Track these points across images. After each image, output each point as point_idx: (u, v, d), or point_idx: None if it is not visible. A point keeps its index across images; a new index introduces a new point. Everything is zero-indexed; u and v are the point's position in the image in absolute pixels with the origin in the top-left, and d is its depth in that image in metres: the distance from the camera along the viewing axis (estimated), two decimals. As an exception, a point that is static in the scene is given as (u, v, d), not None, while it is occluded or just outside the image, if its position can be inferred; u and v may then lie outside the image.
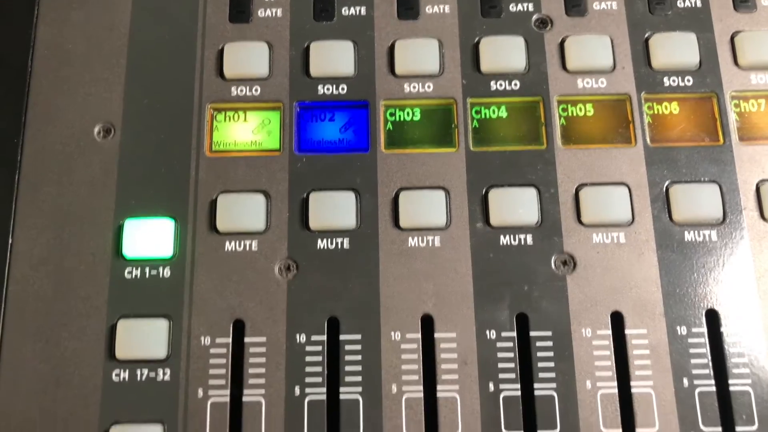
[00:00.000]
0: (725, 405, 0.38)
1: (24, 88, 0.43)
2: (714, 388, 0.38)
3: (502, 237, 0.41)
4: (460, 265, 0.40)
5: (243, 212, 0.41)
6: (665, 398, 0.38)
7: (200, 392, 0.38)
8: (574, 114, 0.43)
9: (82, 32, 0.44)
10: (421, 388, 0.38)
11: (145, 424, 0.38)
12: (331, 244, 0.41)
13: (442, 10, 0.44)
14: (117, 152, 0.42)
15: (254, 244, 0.41)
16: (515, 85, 0.43)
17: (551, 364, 0.39)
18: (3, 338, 0.39)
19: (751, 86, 0.43)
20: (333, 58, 0.43)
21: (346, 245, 0.41)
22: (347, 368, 0.39)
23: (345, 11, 0.44)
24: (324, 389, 0.38)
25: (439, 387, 0.39)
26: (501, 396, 0.38)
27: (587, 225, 0.41)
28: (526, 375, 0.39)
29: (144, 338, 0.39)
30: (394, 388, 0.38)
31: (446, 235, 0.41)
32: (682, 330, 0.39)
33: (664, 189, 0.41)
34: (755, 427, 0.37)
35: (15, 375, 0.38)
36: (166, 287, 0.40)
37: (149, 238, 0.40)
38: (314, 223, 0.41)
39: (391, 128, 0.43)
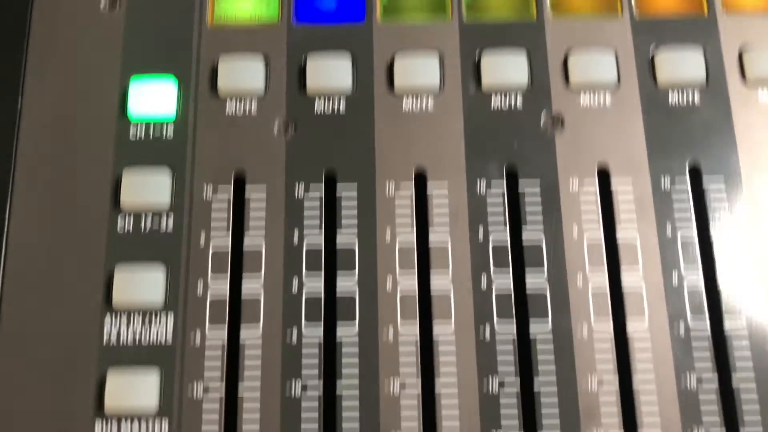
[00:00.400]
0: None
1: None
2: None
3: (493, 99, 0.42)
4: (452, 126, 0.42)
5: (243, 75, 0.42)
6: (649, 245, 0.40)
7: (202, 240, 0.40)
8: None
9: None
10: (414, 236, 0.40)
11: (148, 263, 0.39)
12: (328, 107, 0.42)
13: None
14: (122, 24, 0.44)
15: (254, 106, 0.42)
16: (506, -45, 0.44)
17: (539, 217, 0.40)
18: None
19: (734, -44, 0.44)
20: (330, -67, 0.45)
21: (342, 109, 0.42)
22: (344, 215, 0.40)
23: None
24: (321, 236, 0.40)
25: (431, 236, 0.40)
26: (490, 243, 0.40)
27: (575, 87, 0.42)
28: (515, 223, 0.40)
29: (148, 188, 0.40)
30: (388, 235, 0.40)
31: (440, 99, 0.42)
32: (666, 183, 0.40)
33: (650, 54, 0.43)
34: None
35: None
36: (169, 144, 0.41)
37: (153, 98, 0.42)
38: (311, 85, 0.42)
39: (385, 1, 0.44)
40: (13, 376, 0.38)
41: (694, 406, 0.37)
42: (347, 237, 0.40)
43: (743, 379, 0.38)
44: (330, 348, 0.39)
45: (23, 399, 0.38)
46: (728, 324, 0.39)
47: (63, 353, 0.39)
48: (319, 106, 0.42)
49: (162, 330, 0.39)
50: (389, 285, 0.40)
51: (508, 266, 0.40)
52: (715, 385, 0.38)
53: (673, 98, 0.42)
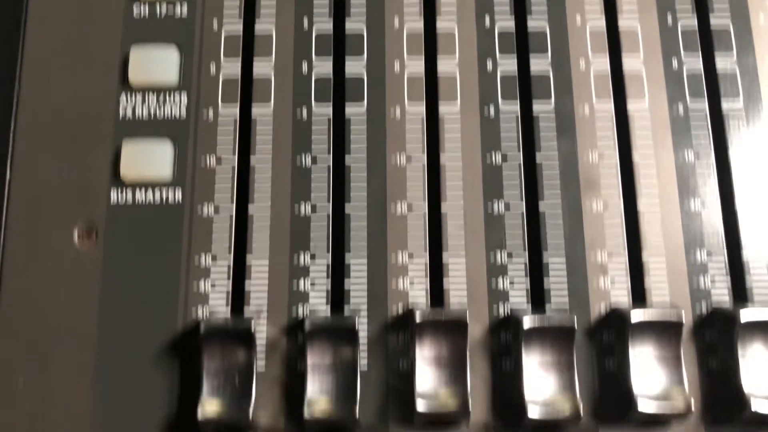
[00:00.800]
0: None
1: None
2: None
3: None
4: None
5: None
6: (650, 32, 0.41)
7: (215, 24, 0.41)
8: None
9: None
10: (421, 22, 0.41)
11: (162, 45, 0.40)
12: None
13: None
14: None
15: None
16: None
17: (543, 7, 0.42)
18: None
19: None
20: None
21: None
22: (353, 3, 0.41)
23: None
24: (330, 22, 0.41)
25: (438, 23, 0.41)
26: (496, 30, 0.41)
27: None
28: (521, 12, 0.41)
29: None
30: (396, 21, 0.41)
31: None
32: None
33: None
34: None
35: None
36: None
37: None
38: None
39: None
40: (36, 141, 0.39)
41: (691, 178, 0.39)
42: (356, 24, 0.41)
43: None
44: (339, 125, 0.40)
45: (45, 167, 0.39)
46: (725, 105, 0.40)
47: (82, 127, 0.40)
48: None
49: (176, 107, 0.40)
50: (397, 68, 0.41)
51: (514, 51, 0.41)
52: (711, 160, 0.39)
53: None
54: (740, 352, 0.34)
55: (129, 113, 0.40)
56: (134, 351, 0.37)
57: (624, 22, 0.41)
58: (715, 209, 0.38)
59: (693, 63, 0.41)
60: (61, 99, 0.40)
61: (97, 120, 0.40)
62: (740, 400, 0.34)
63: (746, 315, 0.34)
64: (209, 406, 0.34)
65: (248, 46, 0.41)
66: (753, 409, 0.33)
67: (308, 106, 0.40)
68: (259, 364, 0.36)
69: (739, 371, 0.34)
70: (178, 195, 0.39)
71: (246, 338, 0.35)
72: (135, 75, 0.40)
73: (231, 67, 0.41)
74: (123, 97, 0.40)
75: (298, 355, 0.36)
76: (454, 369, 0.35)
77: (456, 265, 0.38)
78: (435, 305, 0.37)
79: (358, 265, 0.38)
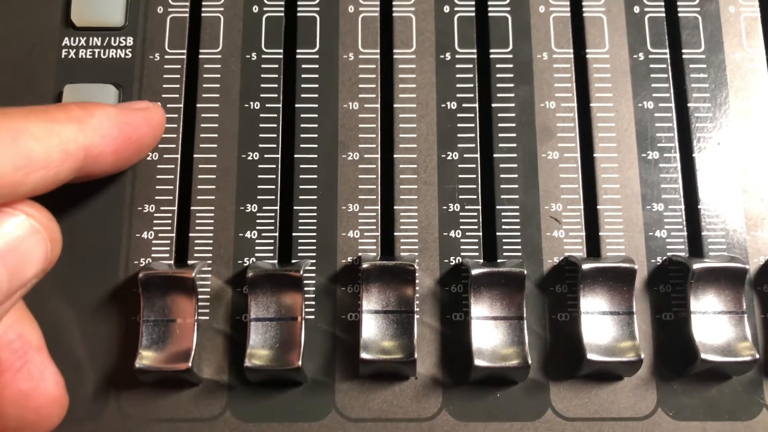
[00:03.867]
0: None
1: None
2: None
3: None
4: None
5: None
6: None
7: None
8: None
9: None
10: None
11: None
12: None
13: None
14: None
15: None
16: None
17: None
18: None
19: None
20: None
21: None
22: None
23: None
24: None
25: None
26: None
27: None
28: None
29: None
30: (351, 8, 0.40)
31: None
32: None
33: None
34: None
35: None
36: None
37: None
38: None
39: None
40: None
41: (650, 127, 0.38)
42: (309, -35, 0.40)
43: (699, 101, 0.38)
44: (290, 69, 0.39)
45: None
46: (687, 53, 0.39)
47: (21, 71, 0.38)
48: None
49: (121, 50, 0.39)
50: (351, 8, 0.39)
51: (471, -4, 0.39)
52: (671, 113, 0.38)
53: None
54: (692, 304, 0.34)
55: (72, 55, 0.38)
56: (73, 301, 0.35)
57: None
58: (674, 160, 0.37)
59: (655, 9, 0.39)
60: (-1, 42, 0.38)
61: (38, 63, 0.38)
62: (691, 351, 0.33)
63: (699, 265, 0.33)
64: (147, 356, 0.33)
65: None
66: (702, 357, 0.32)
67: (258, 49, 0.39)
68: (204, 315, 0.35)
69: (691, 322, 0.34)
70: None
71: (187, 286, 0.33)
72: (78, 15, 0.39)
73: (179, 8, 0.39)
74: (66, 39, 0.39)
75: (244, 307, 0.35)
76: (401, 319, 0.34)
77: (407, 215, 0.37)
78: (385, 256, 0.36)
79: (306, 214, 0.36)
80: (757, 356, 0.33)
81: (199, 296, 0.35)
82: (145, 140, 0.34)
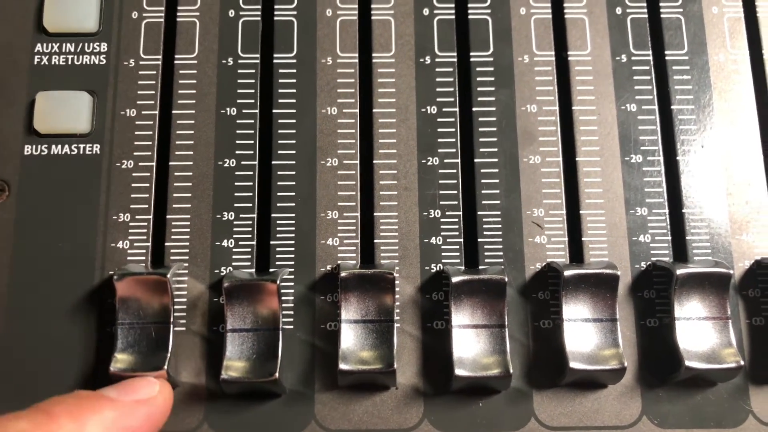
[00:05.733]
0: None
1: None
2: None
3: None
4: None
5: None
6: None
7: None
8: None
9: None
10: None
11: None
12: None
13: None
14: None
15: None
16: None
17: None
18: None
19: None
20: None
21: None
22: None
23: None
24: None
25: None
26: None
27: None
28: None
29: None
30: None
31: None
32: None
33: None
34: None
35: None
36: None
37: None
38: None
39: None
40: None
41: (633, 130, 0.37)
42: (286, -32, 0.39)
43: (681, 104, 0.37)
44: (267, 74, 0.38)
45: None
46: (670, 55, 0.38)
47: (-8, 77, 0.38)
48: None
49: (95, 55, 0.38)
50: (329, 12, 0.39)
51: (452, 0, 0.39)
52: (654, 116, 0.37)
53: None
54: (676, 310, 0.33)
55: (45, 62, 0.38)
56: (47, 309, 0.35)
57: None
58: (657, 163, 0.37)
59: (637, 11, 0.39)
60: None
61: (10, 70, 0.37)
62: (676, 358, 0.33)
63: (682, 271, 0.33)
64: (122, 359, 0.32)
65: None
66: (687, 365, 0.32)
67: (234, 53, 0.38)
68: (180, 325, 0.35)
69: (675, 329, 0.33)
70: (96, 148, 0.37)
71: (161, 288, 0.33)
72: (51, 21, 0.38)
73: (153, 13, 0.38)
74: (39, 45, 0.38)
75: (220, 316, 0.35)
76: (380, 328, 0.33)
77: (387, 222, 0.36)
78: (365, 264, 0.36)
79: (284, 222, 0.36)
80: (742, 363, 0.32)
81: (176, 305, 0.34)
82: None
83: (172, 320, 0.33)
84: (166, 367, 0.32)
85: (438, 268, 0.35)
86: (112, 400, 0.28)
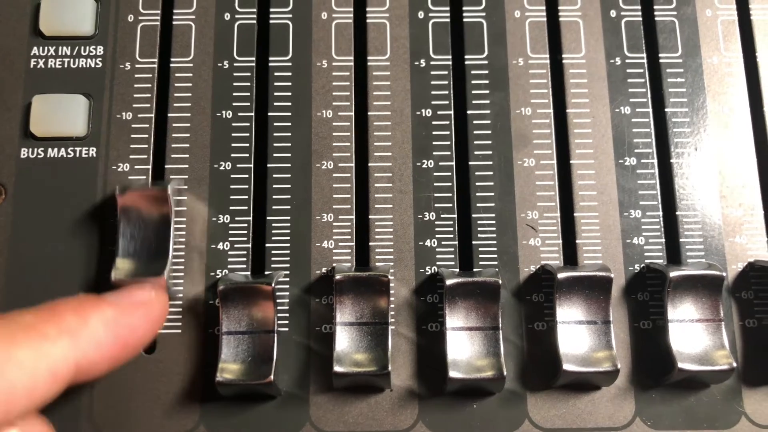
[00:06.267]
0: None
1: None
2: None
3: None
4: None
5: None
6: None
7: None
8: None
9: None
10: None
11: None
12: None
13: None
14: None
15: None
16: None
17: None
18: None
19: None
20: None
21: None
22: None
23: None
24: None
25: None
26: (428, -21, 0.39)
27: None
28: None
29: None
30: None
31: None
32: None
33: None
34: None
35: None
36: None
37: None
38: None
39: None
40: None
41: (627, 133, 0.37)
42: (282, -28, 0.39)
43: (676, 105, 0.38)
44: (262, 77, 0.38)
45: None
46: (664, 58, 0.38)
47: (-12, 80, 0.38)
48: None
49: (91, 59, 0.38)
50: (324, 15, 0.39)
51: (447, 3, 0.39)
52: (648, 118, 0.38)
53: None
54: (670, 312, 0.33)
55: (41, 65, 0.38)
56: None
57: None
58: (651, 166, 0.37)
59: (632, 14, 0.39)
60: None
61: (6, 73, 0.38)
62: (669, 359, 0.33)
63: (675, 273, 0.33)
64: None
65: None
66: (679, 367, 0.32)
67: (230, 57, 0.38)
68: (176, 328, 0.35)
69: (668, 331, 0.33)
70: (92, 151, 0.37)
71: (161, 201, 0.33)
72: (47, 25, 0.38)
73: (149, 17, 0.39)
74: (35, 49, 0.38)
75: (216, 319, 0.35)
76: (375, 331, 0.33)
77: (382, 225, 0.36)
78: (360, 266, 0.36)
79: (280, 225, 0.36)
80: (734, 365, 0.32)
81: (171, 309, 0.34)
82: (143, 340, 0.32)
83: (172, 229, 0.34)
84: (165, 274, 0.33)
85: (433, 271, 0.36)
86: (112, 301, 0.30)
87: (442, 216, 0.36)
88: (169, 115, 0.37)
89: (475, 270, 0.35)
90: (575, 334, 0.33)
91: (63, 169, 0.36)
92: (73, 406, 0.34)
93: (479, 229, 0.36)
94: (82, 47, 0.38)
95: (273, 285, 0.33)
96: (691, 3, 0.39)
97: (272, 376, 0.32)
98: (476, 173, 0.37)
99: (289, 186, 0.36)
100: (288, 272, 0.35)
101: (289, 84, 0.38)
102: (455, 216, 0.36)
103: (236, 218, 0.36)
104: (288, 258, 0.36)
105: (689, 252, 0.36)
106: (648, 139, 0.37)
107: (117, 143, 0.37)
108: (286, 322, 0.35)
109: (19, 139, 0.37)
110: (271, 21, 0.39)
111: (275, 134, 0.37)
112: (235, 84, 0.38)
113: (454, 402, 0.34)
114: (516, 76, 0.38)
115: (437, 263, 0.36)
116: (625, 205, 0.36)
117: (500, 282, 0.33)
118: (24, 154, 0.37)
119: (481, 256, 0.36)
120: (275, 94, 0.38)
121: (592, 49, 0.38)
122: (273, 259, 0.36)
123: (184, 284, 0.35)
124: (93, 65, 0.38)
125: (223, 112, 0.37)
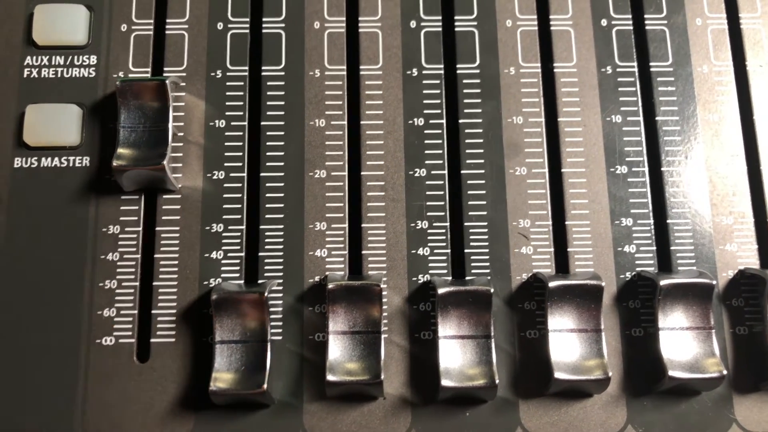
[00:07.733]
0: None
1: None
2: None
3: None
4: None
5: None
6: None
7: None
8: None
9: None
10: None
11: (70, 2, 0.38)
12: None
13: None
14: None
15: None
16: None
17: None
18: None
19: None
20: None
21: None
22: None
23: None
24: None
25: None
26: (420, -12, 0.39)
27: None
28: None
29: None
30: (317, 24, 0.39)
31: None
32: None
33: None
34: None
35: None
36: None
37: None
38: None
39: None
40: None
41: (618, 141, 0.37)
42: (275, -19, 0.39)
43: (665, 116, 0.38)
44: (255, 86, 0.38)
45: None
46: (655, 66, 0.39)
47: (-18, 90, 0.38)
48: None
49: (84, 68, 0.38)
50: (317, 24, 0.39)
51: (438, 12, 0.39)
52: (639, 127, 0.38)
53: None
54: (660, 320, 0.34)
55: (34, 74, 0.38)
56: (35, 322, 0.35)
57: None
58: (642, 174, 0.37)
59: (622, 23, 0.39)
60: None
61: (0, 82, 0.38)
62: (660, 367, 0.33)
63: (666, 281, 0.33)
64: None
65: (161, 4, 0.39)
66: (670, 374, 0.32)
67: (223, 66, 0.38)
68: (169, 337, 0.35)
69: (659, 339, 0.33)
70: (86, 161, 0.37)
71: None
72: (40, 34, 0.38)
73: (142, 26, 0.39)
74: (28, 58, 0.38)
75: (210, 328, 0.35)
76: (367, 339, 0.33)
77: (375, 233, 0.36)
78: (353, 275, 0.36)
79: (273, 233, 0.36)
80: (725, 372, 0.33)
81: (165, 317, 0.35)
82: None
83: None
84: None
85: (425, 279, 0.36)
86: None
87: (434, 224, 0.36)
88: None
89: (467, 278, 0.35)
90: (567, 342, 0.34)
91: (56, 178, 0.36)
92: (66, 414, 0.34)
93: (471, 237, 0.36)
94: (76, 57, 0.38)
95: (266, 294, 0.33)
96: (682, 12, 0.39)
97: (266, 385, 0.32)
98: (468, 182, 0.37)
99: (282, 195, 0.37)
100: (281, 281, 0.36)
101: (282, 93, 0.38)
102: (448, 224, 0.36)
103: (229, 227, 0.36)
104: (281, 267, 0.36)
105: (680, 260, 0.36)
106: (639, 148, 0.37)
107: (110, 153, 0.37)
108: (280, 330, 0.35)
109: (12, 149, 0.37)
110: (263, 30, 0.39)
111: (268, 143, 0.37)
112: (228, 93, 0.38)
113: (447, 410, 0.35)
114: (507, 84, 0.38)
115: (430, 271, 0.36)
116: (616, 213, 0.37)
117: (492, 290, 0.33)
118: (17, 164, 0.37)
119: (473, 264, 0.36)
120: (268, 103, 0.38)
121: (583, 58, 0.39)
122: (266, 267, 0.36)
123: (178, 293, 0.35)
124: (86, 75, 0.38)
125: (216, 121, 0.37)
